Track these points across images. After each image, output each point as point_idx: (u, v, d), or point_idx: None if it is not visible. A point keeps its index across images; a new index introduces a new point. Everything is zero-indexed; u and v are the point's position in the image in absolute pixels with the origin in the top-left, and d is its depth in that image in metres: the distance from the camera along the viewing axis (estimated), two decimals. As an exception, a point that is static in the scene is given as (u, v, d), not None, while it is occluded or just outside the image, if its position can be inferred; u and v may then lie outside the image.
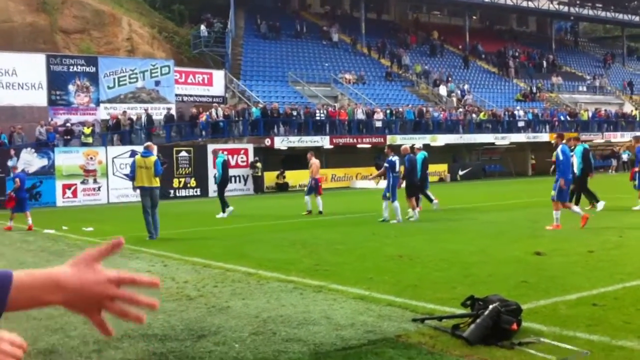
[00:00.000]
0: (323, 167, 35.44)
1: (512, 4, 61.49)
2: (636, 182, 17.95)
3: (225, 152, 24.47)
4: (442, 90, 49.18)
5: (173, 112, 37.66)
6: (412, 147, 18.97)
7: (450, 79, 51.52)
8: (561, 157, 14.35)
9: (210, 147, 33.29)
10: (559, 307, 6.91)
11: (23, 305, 1.25)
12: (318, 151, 36.80)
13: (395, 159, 17.17)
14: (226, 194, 20.75)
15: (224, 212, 19.94)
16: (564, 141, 15.00)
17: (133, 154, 31.34)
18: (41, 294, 1.25)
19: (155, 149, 16.95)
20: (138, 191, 15.55)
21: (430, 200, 19.90)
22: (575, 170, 17.66)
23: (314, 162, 20.66)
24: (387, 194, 16.71)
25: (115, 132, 34.81)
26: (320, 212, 19.69)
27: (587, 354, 5.25)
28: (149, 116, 36.05)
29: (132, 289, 1.32)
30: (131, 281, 1.30)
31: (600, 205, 17.90)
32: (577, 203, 17.53)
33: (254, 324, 6.69)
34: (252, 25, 50.83)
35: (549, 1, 63.16)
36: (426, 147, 40.86)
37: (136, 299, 1.30)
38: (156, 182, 15.17)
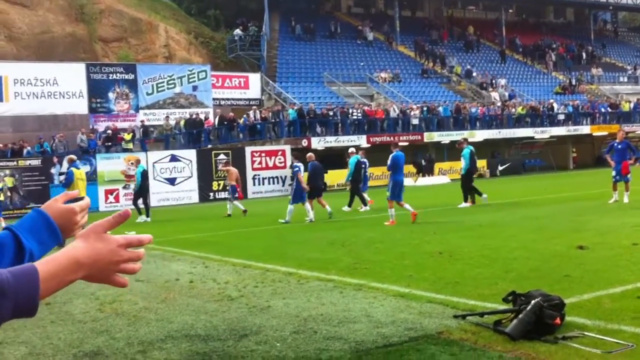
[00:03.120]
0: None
1: (549, -5, 60.65)
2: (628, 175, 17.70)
3: (144, 164, 25.44)
4: (494, 94, 48.35)
5: (210, 115, 38.01)
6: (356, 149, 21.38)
7: (494, 81, 50.62)
8: (389, 162, 16.38)
9: (249, 150, 33.59)
10: (603, 300, 6.79)
11: (51, 291, 1.31)
12: (356, 150, 36.83)
13: (300, 165, 18.42)
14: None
15: (147, 216, 21.61)
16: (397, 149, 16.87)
17: (173, 158, 31.80)
18: (65, 276, 1.32)
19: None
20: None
21: (365, 203, 20.93)
22: (462, 170, 20.14)
23: (232, 170, 22.52)
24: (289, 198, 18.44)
25: (147, 137, 35.03)
26: (245, 211, 21.08)
27: (632, 347, 5.17)
28: (192, 120, 36.49)
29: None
30: (138, 242, 1.42)
31: (484, 199, 19.64)
32: (472, 200, 20.02)
33: (295, 323, 6.72)
34: (287, 28, 51.04)
35: (587, -9, 62.16)
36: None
37: (140, 255, 1.44)
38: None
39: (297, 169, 18.47)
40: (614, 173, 17.97)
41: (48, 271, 1.29)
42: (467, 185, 20.33)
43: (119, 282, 1.41)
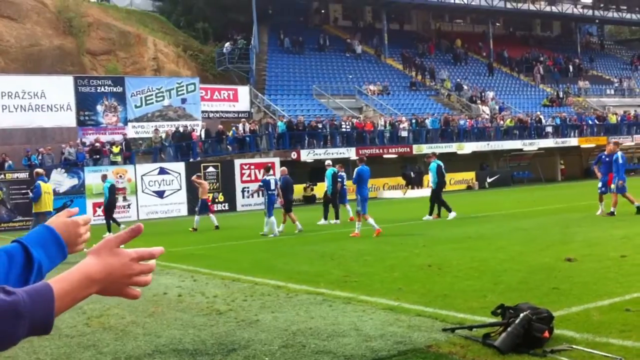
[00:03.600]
0: (349, 178, 35.45)
1: (536, 9, 61.09)
2: (613, 186, 17.61)
3: (113, 179, 25.52)
4: (484, 108, 48.47)
5: (197, 128, 37.97)
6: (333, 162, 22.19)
7: (484, 95, 50.78)
8: (354, 176, 17.00)
9: (238, 162, 33.55)
10: (592, 313, 6.81)
11: (65, 308, 1.33)
12: (345, 163, 36.90)
13: (270, 178, 18.65)
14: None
15: (109, 231, 21.26)
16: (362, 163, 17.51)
17: (162, 171, 31.69)
18: (79, 293, 1.34)
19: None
20: (34, 217, 16.34)
21: (337, 217, 21.34)
22: (431, 183, 20.89)
23: (203, 183, 22.71)
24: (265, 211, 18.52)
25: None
26: (217, 227, 21.32)
27: (621, 360, 5.17)
28: (180, 133, 36.42)
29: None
30: (150, 255, 1.44)
31: (451, 215, 19.80)
32: (438, 213, 20.66)
33: (284, 337, 6.70)
34: (276, 41, 51.16)
35: (573, 5, 62.64)
36: (452, 155, 41.17)
37: (152, 268, 1.46)
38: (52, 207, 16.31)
39: (262, 183, 18.98)
40: (600, 185, 18.06)
41: (62, 289, 1.30)
42: (438, 199, 20.85)
43: (131, 294, 1.44)
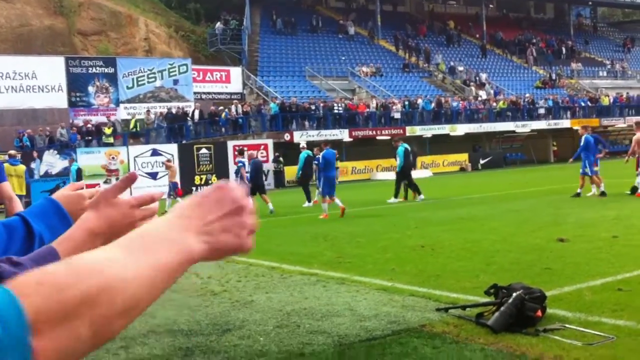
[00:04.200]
0: (343, 159, 35.49)
1: (529, -10, 60.92)
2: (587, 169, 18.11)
3: (78, 163, 25.65)
4: (481, 92, 48.24)
5: (190, 110, 37.85)
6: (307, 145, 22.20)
7: (477, 78, 50.57)
8: (320, 160, 17.87)
9: (231, 144, 33.49)
10: (584, 293, 6.86)
11: None
12: (338, 144, 36.88)
13: (244, 160, 19.20)
14: None
15: None
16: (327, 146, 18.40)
17: (154, 152, 31.61)
18: (83, 249, 1.30)
19: (19, 156, 17.80)
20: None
21: (309, 200, 21.34)
22: (397, 167, 21.24)
23: (172, 167, 22.68)
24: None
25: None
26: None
27: (612, 339, 5.22)
28: (172, 114, 36.29)
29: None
30: (150, 199, 1.41)
31: (420, 198, 20.35)
32: (405, 196, 21.12)
33: (278, 317, 6.72)
34: (268, 22, 50.88)
35: (567, -14, 62.52)
36: (445, 137, 41.22)
37: (154, 211, 1.43)
38: (24, 191, 16.35)
39: (240, 164, 19.21)
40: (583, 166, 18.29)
41: (67, 249, 1.28)
42: (408, 181, 21.17)
43: None
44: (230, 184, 0.97)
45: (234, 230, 0.98)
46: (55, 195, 1.56)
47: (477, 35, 58.82)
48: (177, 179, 22.29)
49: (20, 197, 15.64)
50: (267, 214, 18.13)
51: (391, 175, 37.19)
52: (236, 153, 22.49)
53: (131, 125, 33.73)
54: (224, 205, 0.96)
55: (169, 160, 23.73)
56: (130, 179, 1.39)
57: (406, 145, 21.51)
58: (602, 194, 17.79)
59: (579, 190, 18.01)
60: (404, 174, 21.13)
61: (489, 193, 21.70)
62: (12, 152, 17.58)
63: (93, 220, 1.34)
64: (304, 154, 21.57)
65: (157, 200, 1.44)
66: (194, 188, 31.85)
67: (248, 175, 18.95)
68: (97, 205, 1.37)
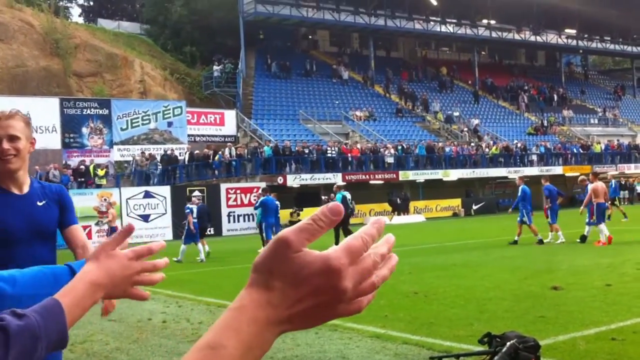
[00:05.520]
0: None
1: (521, 39, 61.83)
2: (549, 219, 19.37)
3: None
4: (483, 142, 48.33)
5: (183, 152, 37.92)
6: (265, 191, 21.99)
7: (478, 128, 50.77)
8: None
9: (224, 187, 33.47)
10: (578, 342, 6.81)
11: (76, 319, 1.35)
12: (330, 188, 36.89)
13: (192, 207, 19.69)
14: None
15: None
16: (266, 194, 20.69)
17: (147, 194, 31.55)
18: (86, 302, 1.36)
19: None
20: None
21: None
22: None
23: (114, 212, 23.27)
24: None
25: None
26: None
27: (608, 390, 5.16)
28: (167, 156, 36.36)
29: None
30: (148, 251, 1.43)
31: None
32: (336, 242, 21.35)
33: (270, 365, 6.63)
34: (263, 65, 51.38)
35: (557, 35, 63.48)
36: (438, 182, 41.33)
37: (156, 265, 1.46)
38: None
39: (188, 210, 19.55)
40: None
41: (70, 301, 1.32)
42: (337, 230, 20.09)
43: (137, 294, 1.45)
44: (342, 268, 0.80)
45: (317, 320, 0.84)
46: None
47: (470, 82, 59.50)
48: (117, 224, 22.45)
49: None
50: (196, 260, 18.66)
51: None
52: (186, 200, 23.17)
53: (100, 173, 33.46)
54: (320, 294, 0.80)
55: (110, 204, 23.94)
56: (128, 231, 1.43)
57: (344, 193, 21.64)
58: (540, 242, 18.58)
59: (516, 238, 19.01)
60: (340, 222, 21.28)
61: (482, 239, 21.70)
62: None
63: (94, 272, 1.37)
64: (339, 195, 21.19)
65: (155, 252, 1.44)
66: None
67: (195, 221, 19.14)
68: (97, 257, 1.40)
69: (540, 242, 18.51)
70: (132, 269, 1.41)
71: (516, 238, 18.95)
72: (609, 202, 21.23)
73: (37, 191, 3.38)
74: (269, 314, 0.77)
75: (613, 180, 30.42)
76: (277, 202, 21.50)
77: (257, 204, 21.25)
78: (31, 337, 1.21)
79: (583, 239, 18.08)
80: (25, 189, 3.34)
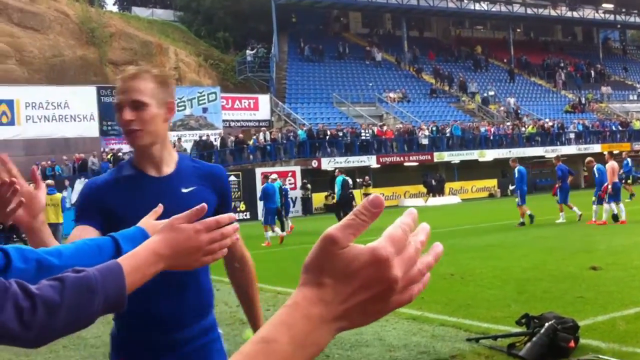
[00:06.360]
0: (370, 186, 35.44)
1: (557, 14, 60.71)
2: (557, 197, 19.93)
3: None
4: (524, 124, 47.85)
5: (216, 137, 38.17)
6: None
7: (519, 111, 50.20)
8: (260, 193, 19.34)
9: (259, 171, 33.64)
10: (618, 322, 6.75)
11: (137, 284, 1.40)
12: (365, 170, 36.86)
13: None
14: None
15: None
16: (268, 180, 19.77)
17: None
18: (147, 269, 1.41)
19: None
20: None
21: (283, 229, 21.17)
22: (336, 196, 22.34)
23: None
24: None
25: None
26: None
27: (648, 370, 5.13)
28: (203, 141, 36.65)
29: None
30: (216, 224, 1.47)
31: None
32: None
33: (308, 347, 6.70)
34: (296, 49, 51.32)
35: (594, 10, 62.18)
36: (474, 162, 40.98)
37: (225, 233, 1.49)
38: (61, 219, 16.56)
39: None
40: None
41: (130, 265, 1.37)
42: (338, 213, 21.96)
43: (207, 262, 1.50)
44: (390, 257, 0.79)
45: (372, 314, 0.81)
46: (141, 223, 1.71)
47: (505, 60, 58.66)
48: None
49: (57, 225, 15.85)
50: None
51: (420, 202, 37.13)
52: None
53: None
54: (372, 286, 0.79)
55: None
56: (201, 210, 1.48)
57: (345, 177, 22.31)
58: (521, 224, 19.09)
59: (522, 220, 19.31)
60: (341, 205, 21.71)
61: (519, 219, 21.48)
62: (50, 181, 17.99)
63: (158, 243, 1.44)
64: (340, 178, 21.84)
65: (223, 223, 1.48)
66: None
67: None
68: (163, 229, 1.46)
69: (522, 224, 19.07)
70: (198, 241, 1.45)
71: (522, 220, 19.35)
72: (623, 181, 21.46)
73: (185, 172, 2.57)
74: (322, 311, 0.78)
75: (628, 159, 30.09)
76: (286, 187, 22.45)
77: (261, 193, 20.35)
78: (88, 290, 1.28)
79: (615, 217, 17.92)
80: (167, 170, 2.53)
